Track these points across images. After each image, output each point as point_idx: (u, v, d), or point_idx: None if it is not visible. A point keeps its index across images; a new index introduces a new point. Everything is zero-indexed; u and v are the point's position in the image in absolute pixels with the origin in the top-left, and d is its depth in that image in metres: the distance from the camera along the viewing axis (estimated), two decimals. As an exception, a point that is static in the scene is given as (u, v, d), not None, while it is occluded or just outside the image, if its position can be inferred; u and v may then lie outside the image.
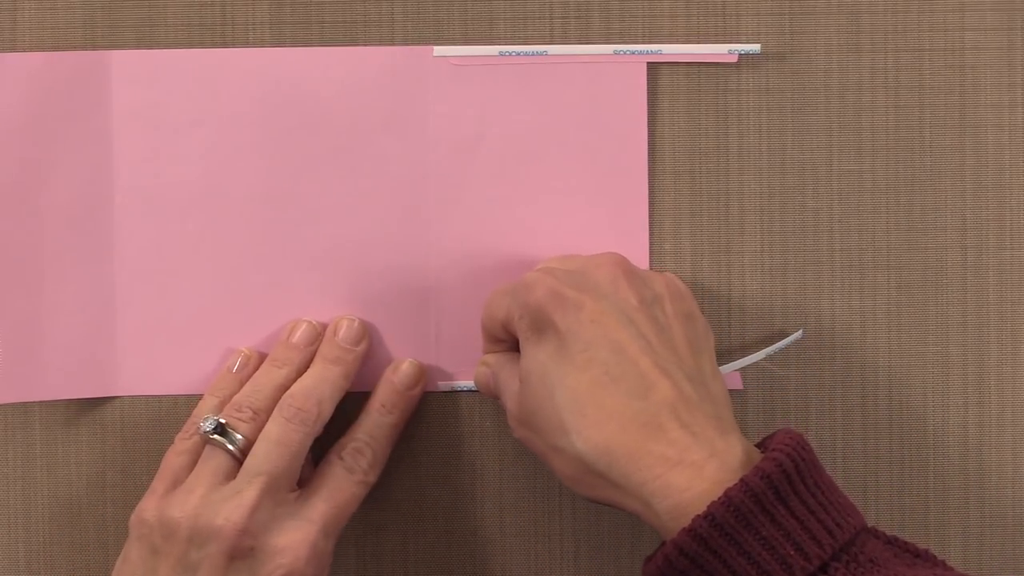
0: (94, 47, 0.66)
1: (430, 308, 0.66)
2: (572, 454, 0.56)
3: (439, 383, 0.67)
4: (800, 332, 0.65)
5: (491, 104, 0.66)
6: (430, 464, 0.67)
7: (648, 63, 0.66)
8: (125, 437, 0.67)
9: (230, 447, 0.61)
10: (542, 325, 0.58)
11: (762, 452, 0.56)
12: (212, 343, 0.66)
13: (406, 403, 0.65)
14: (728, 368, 0.65)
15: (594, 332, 0.57)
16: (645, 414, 0.56)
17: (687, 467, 0.54)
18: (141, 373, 0.66)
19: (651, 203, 0.66)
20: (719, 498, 0.53)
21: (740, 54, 0.65)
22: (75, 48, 0.66)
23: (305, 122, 0.66)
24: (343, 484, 0.62)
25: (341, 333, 0.65)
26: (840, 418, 0.66)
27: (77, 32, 0.66)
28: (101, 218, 0.66)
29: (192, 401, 0.65)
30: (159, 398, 0.66)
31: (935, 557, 0.56)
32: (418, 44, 0.66)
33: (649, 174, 0.66)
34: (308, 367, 0.64)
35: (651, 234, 0.66)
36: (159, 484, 0.62)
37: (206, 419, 0.61)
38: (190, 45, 0.66)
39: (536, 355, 0.58)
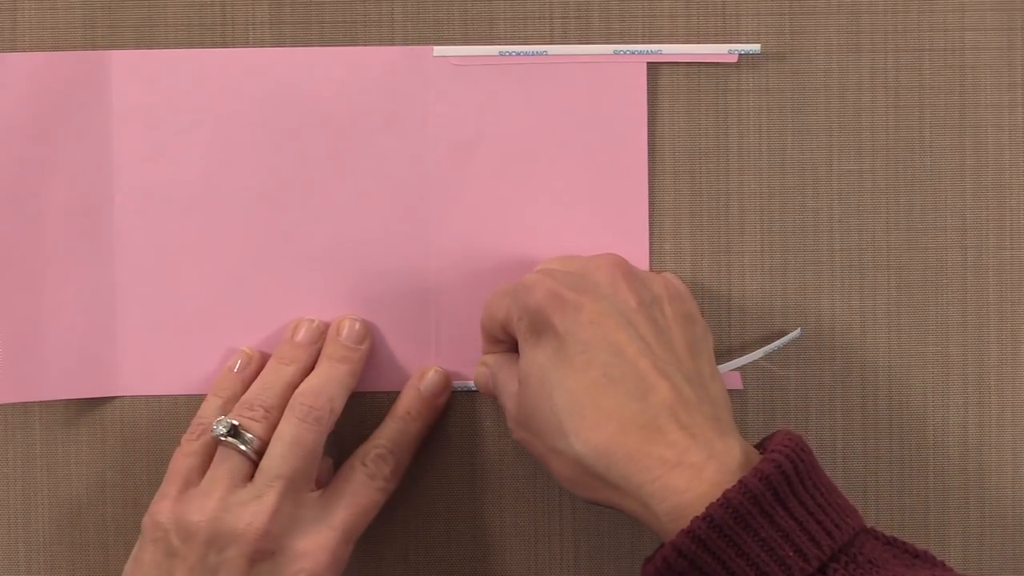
0: (94, 47, 0.66)
1: (430, 308, 0.66)
2: (571, 456, 0.56)
3: (439, 383, 0.67)
4: (798, 331, 0.65)
5: (491, 104, 0.66)
6: (430, 464, 0.67)
7: (648, 63, 0.66)
8: (125, 437, 0.67)
9: (244, 448, 0.60)
10: (541, 327, 0.58)
11: (761, 453, 0.56)
12: (212, 343, 0.66)
13: (431, 411, 0.65)
14: (727, 367, 0.65)
15: (593, 334, 0.57)
16: (644, 416, 0.56)
17: (686, 469, 0.54)
18: (141, 373, 0.66)
19: (651, 203, 0.66)
20: (718, 500, 0.53)
21: (740, 54, 0.65)
22: (75, 48, 0.66)
23: (305, 122, 0.66)
24: (364, 491, 0.62)
25: (344, 333, 0.65)
26: (840, 418, 0.66)
27: (77, 32, 0.66)
28: (101, 218, 0.66)
29: (192, 401, 0.65)
30: (159, 398, 0.66)
31: (934, 557, 0.56)
32: (418, 44, 0.66)
33: (649, 174, 0.66)
34: (313, 366, 0.64)
35: (651, 234, 0.66)
36: (170, 487, 0.61)
37: (218, 421, 0.61)
38: (190, 45, 0.66)
39: (535, 356, 0.58)
